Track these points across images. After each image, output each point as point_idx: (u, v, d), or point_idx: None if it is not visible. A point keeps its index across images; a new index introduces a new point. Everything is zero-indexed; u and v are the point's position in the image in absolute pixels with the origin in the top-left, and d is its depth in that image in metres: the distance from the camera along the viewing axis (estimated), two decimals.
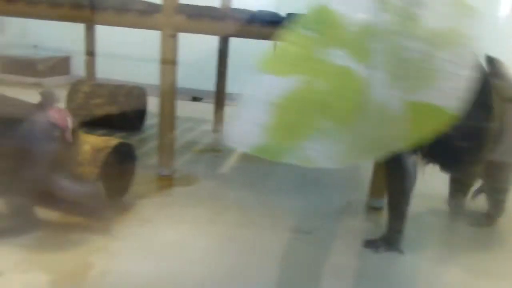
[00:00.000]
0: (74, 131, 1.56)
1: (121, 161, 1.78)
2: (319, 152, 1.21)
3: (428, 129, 1.23)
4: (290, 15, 1.93)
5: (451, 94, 1.17)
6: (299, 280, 1.44)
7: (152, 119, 3.16)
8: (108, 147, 1.68)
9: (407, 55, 1.17)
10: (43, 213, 1.66)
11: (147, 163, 2.29)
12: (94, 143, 1.69)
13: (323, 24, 1.19)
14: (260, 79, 1.23)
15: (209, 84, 3.47)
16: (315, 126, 1.21)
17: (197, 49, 3.21)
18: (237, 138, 1.28)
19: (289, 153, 1.23)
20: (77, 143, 1.61)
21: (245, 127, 1.22)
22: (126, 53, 3.55)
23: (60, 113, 1.55)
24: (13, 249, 1.43)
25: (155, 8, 2.02)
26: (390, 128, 1.22)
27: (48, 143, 1.48)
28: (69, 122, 1.55)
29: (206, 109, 3.84)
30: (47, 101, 1.53)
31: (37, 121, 1.49)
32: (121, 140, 1.77)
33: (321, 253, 1.59)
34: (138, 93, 2.99)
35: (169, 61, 2.03)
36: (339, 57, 1.17)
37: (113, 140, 1.74)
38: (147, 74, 3.69)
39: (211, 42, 3.22)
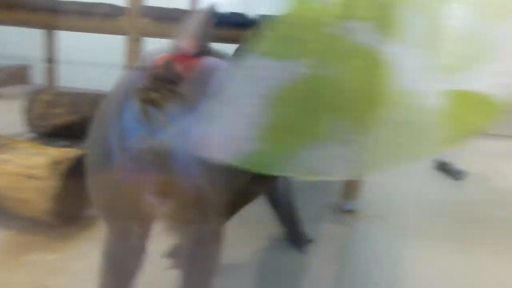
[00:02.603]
0: None
1: (82, 173, 1.67)
2: (326, 160, 0.87)
3: (474, 126, 0.92)
4: (262, 16, 1.89)
5: (504, 78, 0.87)
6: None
7: None
8: (68, 159, 1.58)
9: (451, 26, 0.85)
10: None
11: None
12: (52, 155, 1.59)
13: None
14: (251, 64, 0.86)
15: None
16: (323, 126, 0.87)
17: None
18: (216, 145, 0.88)
19: (289, 163, 0.88)
20: None
21: (227, 131, 0.86)
22: (89, 59, 3.43)
23: None
24: None
25: (119, 11, 1.93)
26: (425, 127, 0.89)
27: None
28: None
29: None
30: None
31: None
32: (81, 151, 1.67)
33: (298, 260, 1.54)
34: (102, 100, 2.87)
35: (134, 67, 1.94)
36: (358, 32, 0.84)
37: (73, 151, 1.64)
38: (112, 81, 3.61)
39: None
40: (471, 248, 1.76)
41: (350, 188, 1.97)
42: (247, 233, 1.71)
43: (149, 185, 0.81)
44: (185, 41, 0.84)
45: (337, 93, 0.86)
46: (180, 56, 0.82)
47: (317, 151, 0.86)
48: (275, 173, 0.95)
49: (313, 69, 0.85)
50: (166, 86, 0.80)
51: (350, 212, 1.97)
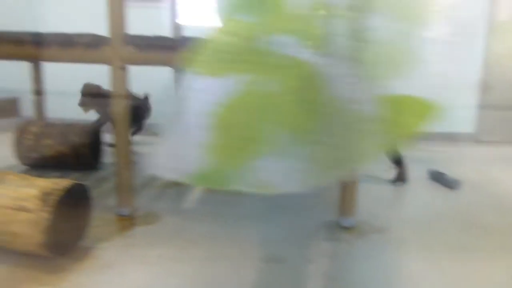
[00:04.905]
0: None
1: (75, 203, 1.66)
2: (275, 174, 0.90)
3: (411, 129, 0.95)
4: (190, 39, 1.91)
5: (435, 81, 0.90)
6: None
7: (109, 158, 3.04)
8: (59, 190, 1.55)
9: (376, 36, 0.89)
10: None
11: (105, 203, 2.17)
12: (42, 186, 1.57)
13: (262, 4, 0.90)
14: (192, 84, 0.93)
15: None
16: (266, 139, 0.89)
17: (148, 81, 3.16)
18: (167, 164, 0.96)
19: (237, 178, 0.91)
20: None
21: (176, 150, 0.92)
22: (76, 89, 3.44)
23: None
24: None
25: (102, 41, 1.94)
26: (363, 133, 0.93)
27: None
28: None
29: None
30: None
31: None
32: (73, 181, 1.65)
33: (296, 280, 1.51)
34: (91, 130, 2.86)
35: (120, 95, 1.94)
36: (285, 45, 0.87)
37: (64, 182, 1.62)
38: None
39: (162, 72, 3.17)
40: (471, 256, 1.75)
41: (346, 204, 1.96)
42: (239, 253, 1.69)
43: None
44: None
45: (274, 106, 0.88)
46: None
47: (264, 164, 0.87)
48: (227, 189, 0.96)
49: (247, 84, 0.87)
50: None
51: (348, 228, 1.95)
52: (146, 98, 3.66)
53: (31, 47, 2.05)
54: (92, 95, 3.49)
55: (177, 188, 2.60)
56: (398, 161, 2.91)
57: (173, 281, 1.49)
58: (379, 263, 1.67)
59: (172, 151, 0.93)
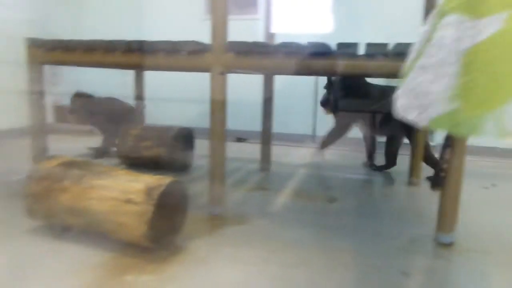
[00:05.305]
0: None
1: (175, 200, 1.75)
2: None
3: None
4: (340, 45, 1.90)
5: None
6: None
7: (198, 161, 3.18)
8: (162, 185, 1.65)
9: None
10: (93, 255, 1.64)
11: (197, 203, 2.26)
12: (147, 181, 1.68)
13: None
14: (444, 24, 0.88)
15: (252, 125, 3.46)
16: None
17: (237, 90, 3.26)
18: (412, 107, 0.93)
19: (483, 124, 0.85)
20: None
21: (423, 92, 0.89)
22: (173, 96, 3.66)
23: None
24: None
25: (204, 48, 2.04)
26: None
27: None
28: None
29: (251, 149, 3.83)
30: None
31: None
32: (174, 179, 1.74)
33: None
34: (185, 134, 3.02)
35: (218, 100, 2.02)
36: None
37: (166, 178, 1.72)
38: (194, 117, 3.80)
39: (252, 82, 3.25)
40: None
41: (446, 219, 1.84)
42: (331, 261, 1.66)
43: None
44: None
45: None
46: None
47: None
48: (469, 134, 0.93)
49: (507, 21, 0.81)
50: None
51: (446, 245, 1.84)
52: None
53: (138, 55, 2.21)
54: (81, 103, 3.45)
55: (263, 192, 2.64)
56: (434, 162, 2.74)
57: (265, 283, 1.50)
58: (481, 284, 1.55)
59: (415, 92, 0.92)
